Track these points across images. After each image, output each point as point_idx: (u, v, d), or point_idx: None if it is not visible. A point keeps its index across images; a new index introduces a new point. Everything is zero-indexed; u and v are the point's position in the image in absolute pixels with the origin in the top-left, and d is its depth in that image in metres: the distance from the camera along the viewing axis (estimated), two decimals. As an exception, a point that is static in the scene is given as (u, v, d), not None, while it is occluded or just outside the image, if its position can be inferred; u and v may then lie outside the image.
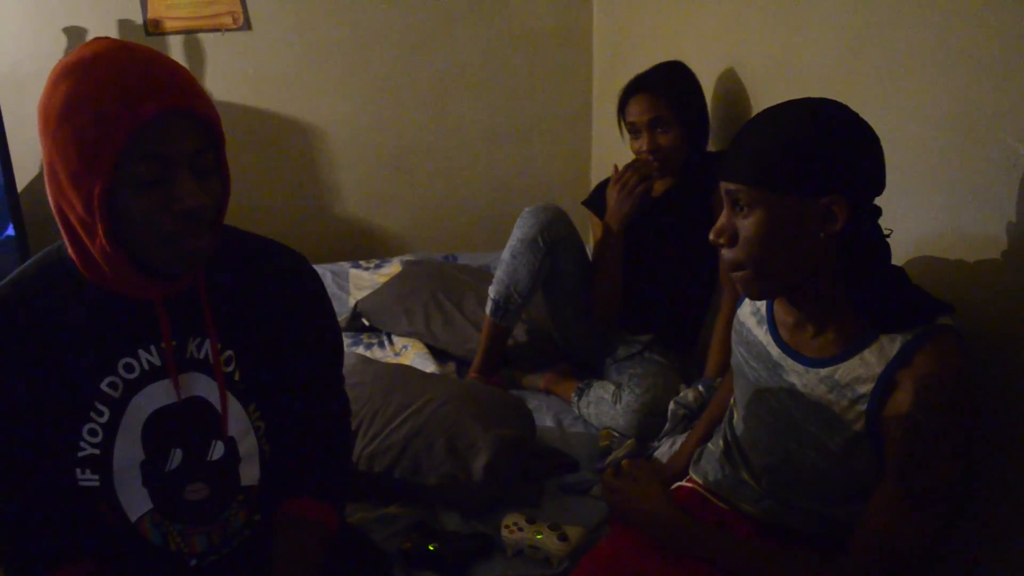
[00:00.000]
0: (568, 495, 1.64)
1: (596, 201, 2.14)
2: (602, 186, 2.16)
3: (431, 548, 1.42)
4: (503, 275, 2.05)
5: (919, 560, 1.06)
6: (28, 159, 2.90)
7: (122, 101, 0.86)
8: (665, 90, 1.92)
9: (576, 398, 2.03)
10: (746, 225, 1.07)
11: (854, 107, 1.43)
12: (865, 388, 1.07)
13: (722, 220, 1.11)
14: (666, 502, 1.24)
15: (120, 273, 0.96)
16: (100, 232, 0.90)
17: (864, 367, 1.08)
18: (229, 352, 1.08)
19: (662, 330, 2.09)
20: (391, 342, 2.40)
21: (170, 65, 0.92)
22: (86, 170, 0.88)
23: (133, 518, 1.05)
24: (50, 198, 0.94)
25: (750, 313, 1.28)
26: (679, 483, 1.43)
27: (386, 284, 2.59)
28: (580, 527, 1.49)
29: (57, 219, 0.96)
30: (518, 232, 2.04)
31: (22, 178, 2.84)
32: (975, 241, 1.18)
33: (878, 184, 1.07)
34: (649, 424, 1.87)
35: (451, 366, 2.27)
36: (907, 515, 1.04)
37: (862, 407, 1.08)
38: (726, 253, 1.11)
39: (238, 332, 1.08)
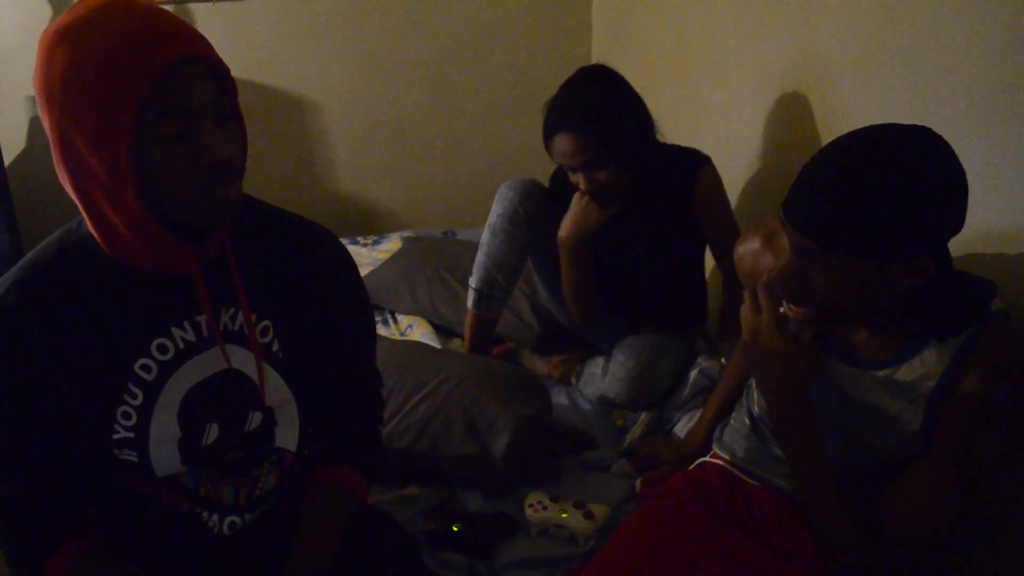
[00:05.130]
0: (589, 472, 1.63)
1: (563, 188, 1.90)
2: (559, 177, 1.94)
3: (455, 529, 1.39)
4: (484, 259, 1.93)
5: (952, 532, 1.05)
6: (14, 134, 2.82)
7: (137, 51, 0.82)
8: (594, 128, 1.66)
9: (576, 380, 2.01)
10: (821, 281, 0.99)
11: (881, 82, 1.42)
12: (926, 386, 1.05)
13: (790, 263, 1.01)
14: (807, 385, 1.10)
15: (149, 239, 0.91)
16: (129, 193, 0.86)
17: (925, 365, 1.05)
18: (267, 323, 1.05)
19: (670, 323, 2.01)
20: (395, 320, 2.36)
21: (172, 15, 0.89)
22: (108, 129, 0.83)
23: (164, 475, 1.04)
24: (65, 175, 0.89)
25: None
26: (703, 459, 1.41)
27: (388, 261, 2.55)
28: (604, 505, 1.47)
29: (75, 196, 0.91)
30: (497, 208, 1.92)
31: (8, 154, 2.76)
32: (1015, 229, 1.16)
33: (962, 223, 0.96)
34: (642, 391, 1.84)
35: (456, 342, 2.24)
36: (953, 496, 1.03)
37: (920, 406, 1.05)
38: (794, 294, 1.04)
39: (273, 303, 1.06)
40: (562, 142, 1.70)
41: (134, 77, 0.82)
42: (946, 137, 0.94)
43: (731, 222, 1.88)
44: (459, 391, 1.61)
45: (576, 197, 1.81)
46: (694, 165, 1.83)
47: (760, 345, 1.09)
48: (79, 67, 0.82)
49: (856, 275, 0.96)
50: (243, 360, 1.04)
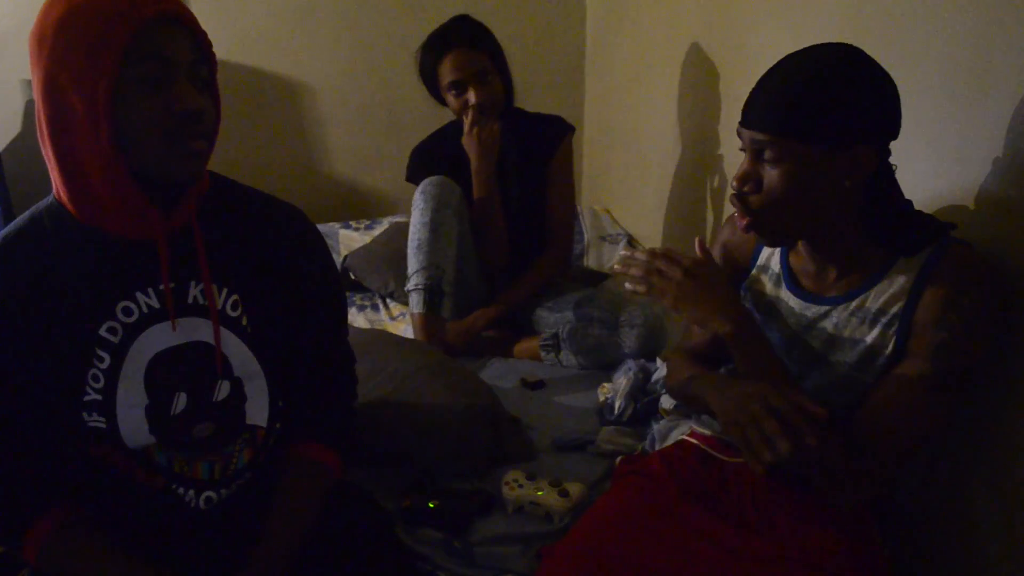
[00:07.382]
0: (565, 452, 1.64)
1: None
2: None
3: (431, 505, 1.41)
4: (430, 254, 1.97)
5: (926, 442, 1.12)
6: (9, 119, 2.84)
7: (126, 2, 0.90)
8: (482, 44, 1.97)
9: (549, 353, 2.00)
10: (773, 176, 1.06)
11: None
12: (897, 306, 1.10)
13: (745, 167, 1.10)
14: (740, 303, 1.18)
15: (118, 189, 0.95)
16: (104, 133, 0.91)
17: (894, 285, 1.11)
18: (235, 296, 1.07)
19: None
20: (387, 306, 2.37)
21: None
22: (91, 68, 0.89)
23: (136, 447, 1.05)
24: (44, 121, 0.94)
25: (767, 279, 1.27)
26: (680, 438, 1.42)
27: (375, 240, 2.58)
28: (580, 483, 1.48)
29: (51, 150, 0.95)
30: (430, 203, 1.98)
31: (3, 138, 2.78)
32: (973, 194, 1.17)
33: (898, 128, 1.07)
34: (655, 341, 1.90)
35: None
36: (929, 398, 1.07)
37: (894, 328, 1.11)
38: (747, 200, 1.10)
39: (242, 277, 1.08)
40: (455, 57, 1.96)
41: (121, 22, 0.90)
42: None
43: (571, 191, 2.18)
44: (410, 384, 1.60)
45: (467, 130, 2.02)
46: (564, 127, 2.15)
47: (683, 285, 1.15)
48: (73, 13, 0.90)
49: (803, 166, 1.04)
50: (210, 333, 1.05)
